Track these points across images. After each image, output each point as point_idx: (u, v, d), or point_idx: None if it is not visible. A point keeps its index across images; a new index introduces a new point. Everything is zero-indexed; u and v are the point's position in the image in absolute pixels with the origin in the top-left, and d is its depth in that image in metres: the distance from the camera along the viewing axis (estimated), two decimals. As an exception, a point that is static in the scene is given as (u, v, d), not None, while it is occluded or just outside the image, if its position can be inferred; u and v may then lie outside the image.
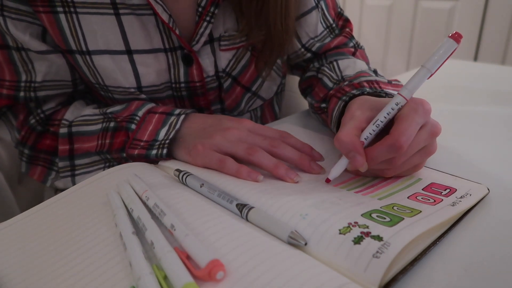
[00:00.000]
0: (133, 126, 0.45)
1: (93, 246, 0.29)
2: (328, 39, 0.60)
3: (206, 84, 0.55)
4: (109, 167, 0.49)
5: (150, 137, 0.44)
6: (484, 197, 0.34)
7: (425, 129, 0.34)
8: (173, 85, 0.54)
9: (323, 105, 0.50)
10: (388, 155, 0.33)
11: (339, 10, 0.61)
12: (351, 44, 0.61)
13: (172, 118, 0.45)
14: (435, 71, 0.34)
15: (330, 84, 0.51)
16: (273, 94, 0.65)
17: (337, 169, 0.36)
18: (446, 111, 0.58)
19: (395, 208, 0.32)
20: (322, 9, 0.58)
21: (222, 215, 0.31)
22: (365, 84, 0.45)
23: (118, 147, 0.46)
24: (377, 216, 0.30)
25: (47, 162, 0.52)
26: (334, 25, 0.60)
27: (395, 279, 0.25)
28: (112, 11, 0.46)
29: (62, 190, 0.50)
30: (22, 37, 0.46)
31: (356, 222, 0.29)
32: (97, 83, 0.51)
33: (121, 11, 0.47)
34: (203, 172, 0.39)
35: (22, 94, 0.49)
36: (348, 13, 0.63)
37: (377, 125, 0.35)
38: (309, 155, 0.42)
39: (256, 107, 0.64)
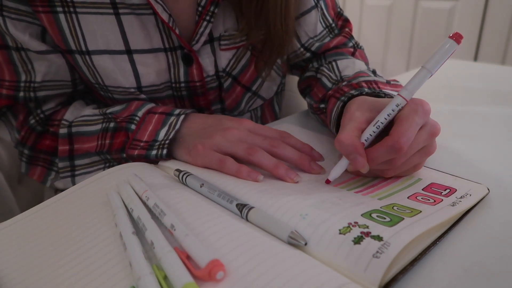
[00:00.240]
0: (133, 127, 0.45)
1: (93, 246, 0.29)
2: (327, 39, 0.60)
3: (206, 83, 0.55)
4: (109, 167, 0.49)
5: (150, 137, 0.44)
6: (484, 197, 0.34)
7: (424, 130, 0.34)
8: (173, 85, 0.54)
9: (322, 105, 0.50)
10: (388, 156, 0.33)
11: (338, 10, 0.61)
12: (351, 44, 0.61)
13: (172, 118, 0.45)
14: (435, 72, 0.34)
15: (329, 85, 0.51)
16: (273, 93, 0.65)
17: (337, 170, 0.36)
18: (446, 111, 0.58)
19: (395, 208, 0.32)
20: (322, 9, 0.58)
21: (222, 215, 0.31)
22: (364, 84, 0.45)
23: (118, 148, 0.46)
24: (377, 216, 0.30)
25: (46, 162, 0.52)
26: (333, 25, 0.60)
27: (395, 279, 0.25)
28: (111, 10, 0.46)
29: (62, 190, 0.50)
30: (22, 37, 0.46)
31: (356, 222, 0.29)
32: (97, 83, 0.51)
33: (120, 10, 0.47)
34: (203, 172, 0.39)
35: (21, 94, 0.49)
36: (348, 13, 0.63)
37: (378, 126, 0.35)
38: (309, 155, 0.42)
39: (256, 107, 0.64)
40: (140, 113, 0.46)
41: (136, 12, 0.47)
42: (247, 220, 0.31)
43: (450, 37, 0.33)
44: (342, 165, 0.36)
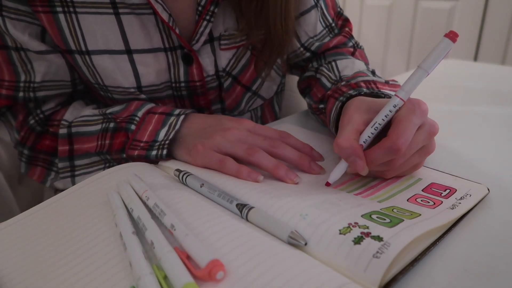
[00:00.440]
0: (133, 127, 0.45)
1: (93, 246, 0.29)
2: (327, 39, 0.60)
3: (206, 83, 0.55)
4: (109, 167, 0.49)
5: (150, 137, 0.44)
6: (484, 197, 0.34)
7: (422, 130, 0.34)
8: (173, 85, 0.54)
9: (321, 105, 0.50)
10: (387, 158, 0.33)
11: (338, 9, 0.61)
12: (350, 44, 0.61)
13: (172, 118, 0.45)
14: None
15: (328, 85, 0.51)
16: (273, 93, 0.65)
17: (337, 172, 0.36)
18: (446, 111, 0.58)
19: (394, 211, 0.32)
20: (322, 8, 0.58)
21: (222, 215, 0.31)
22: (362, 84, 0.45)
23: (118, 148, 0.46)
24: (377, 217, 0.30)
25: (46, 162, 0.52)
26: (333, 25, 0.60)
27: (395, 279, 0.25)
28: (111, 10, 0.46)
29: (62, 190, 0.50)
30: (21, 37, 0.46)
31: (356, 223, 0.29)
32: (97, 83, 0.51)
33: (120, 10, 0.47)
34: (203, 172, 0.39)
35: (21, 94, 0.49)
36: (348, 13, 0.63)
37: (376, 128, 0.35)
38: (309, 155, 0.42)
39: (256, 107, 0.64)
40: (140, 113, 0.46)
41: (136, 12, 0.47)
42: (247, 220, 0.31)
43: (445, 35, 0.33)
44: (341, 168, 0.36)
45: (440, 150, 0.38)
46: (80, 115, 0.50)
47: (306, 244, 0.28)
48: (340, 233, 0.28)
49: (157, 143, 0.43)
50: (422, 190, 0.35)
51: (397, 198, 0.34)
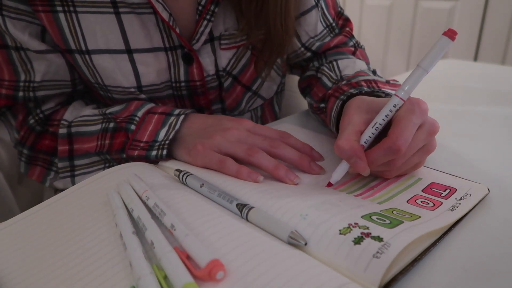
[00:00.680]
0: (133, 127, 0.45)
1: (93, 246, 0.29)
2: (328, 38, 0.60)
3: (206, 83, 0.54)
4: (108, 167, 0.49)
5: (149, 137, 0.44)
6: (484, 197, 0.34)
7: (423, 129, 0.34)
8: (173, 84, 0.53)
9: (322, 105, 0.50)
10: (387, 158, 0.33)
11: (339, 9, 0.61)
12: (351, 44, 0.61)
13: (172, 118, 0.45)
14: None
15: (329, 84, 0.51)
16: (273, 93, 0.65)
17: (338, 173, 0.36)
18: (446, 111, 0.58)
19: (394, 212, 0.32)
20: (322, 8, 0.58)
21: (222, 215, 0.31)
22: (363, 83, 0.45)
23: (118, 148, 0.46)
24: (377, 218, 0.30)
25: (46, 162, 0.52)
26: (334, 24, 0.60)
27: (395, 279, 0.25)
28: (112, 10, 0.46)
29: (61, 190, 0.50)
30: (21, 37, 0.46)
31: (356, 223, 0.29)
32: (96, 83, 0.51)
33: (121, 10, 0.47)
34: (203, 172, 0.39)
35: (21, 94, 0.49)
36: (348, 13, 0.63)
37: (376, 128, 0.35)
38: (309, 155, 0.42)
39: (256, 107, 0.64)
40: (139, 113, 0.46)
41: (136, 11, 0.47)
42: (247, 220, 0.31)
43: (444, 34, 0.33)
44: (343, 168, 0.36)
45: (440, 150, 0.38)
46: (80, 115, 0.50)
47: (306, 244, 0.28)
48: (340, 233, 0.28)
49: (157, 143, 0.43)
50: (422, 191, 0.35)
51: (397, 199, 0.34)
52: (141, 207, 0.32)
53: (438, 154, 0.38)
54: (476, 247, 0.29)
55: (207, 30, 0.50)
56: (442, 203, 0.33)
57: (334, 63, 0.55)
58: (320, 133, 0.51)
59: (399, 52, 1.95)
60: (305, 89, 0.61)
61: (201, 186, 0.35)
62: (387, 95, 0.42)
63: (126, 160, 0.46)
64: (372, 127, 0.35)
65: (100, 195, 0.36)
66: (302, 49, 0.60)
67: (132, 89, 0.51)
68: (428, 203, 0.33)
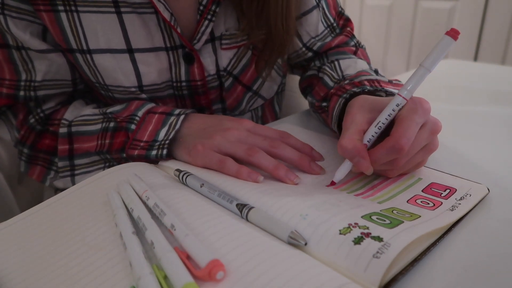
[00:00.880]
0: (133, 127, 0.45)
1: (93, 246, 0.29)
2: (329, 38, 0.60)
3: (207, 83, 0.55)
4: (109, 167, 0.49)
5: (150, 137, 0.44)
6: (484, 197, 0.34)
7: (425, 128, 0.34)
8: (174, 84, 0.54)
9: (324, 103, 0.50)
10: (390, 157, 0.33)
11: (340, 9, 0.61)
12: (352, 43, 0.61)
13: (172, 118, 0.45)
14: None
15: (330, 84, 0.51)
16: (273, 93, 0.65)
17: (342, 171, 0.36)
18: (446, 111, 0.58)
19: (394, 212, 0.32)
20: (323, 8, 0.58)
21: (222, 215, 0.31)
22: (366, 82, 0.45)
23: (118, 148, 0.46)
24: (377, 218, 0.30)
25: (46, 161, 0.52)
26: (335, 24, 0.60)
27: (395, 279, 0.25)
28: (113, 9, 0.46)
29: (62, 189, 0.50)
30: (23, 36, 0.46)
31: (356, 223, 0.29)
32: (97, 82, 0.51)
33: (122, 9, 0.47)
34: (203, 172, 0.39)
35: (22, 93, 0.49)
36: (348, 13, 0.63)
37: (379, 127, 0.35)
38: (309, 155, 0.42)
39: (257, 107, 0.64)
40: (140, 113, 0.46)
41: (138, 11, 0.47)
42: (247, 220, 0.31)
43: (446, 33, 0.33)
44: (346, 167, 0.36)
45: (440, 150, 0.38)
46: (80, 114, 0.50)
47: (306, 244, 0.28)
48: (340, 233, 0.28)
49: (157, 143, 0.43)
50: (422, 191, 0.35)
51: (397, 199, 0.34)
52: (141, 207, 0.32)
53: (438, 154, 0.38)
54: (476, 247, 0.29)
55: (208, 30, 0.50)
56: (442, 203, 0.33)
57: (336, 62, 0.55)
58: (320, 133, 0.51)
59: (399, 52, 1.95)
60: (306, 89, 0.61)
61: (201, 186, 0.35)
62: (390, 94, 0.42)
63: (126, 160, 0.46)
64: (375, 126, 0.35)
65: (100, 195, 0.36)
66: (304, 49, 0.60)
67: (133, 89, 0.51)
68: (428, 203, 0.33)
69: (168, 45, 0.50)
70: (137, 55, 0.49)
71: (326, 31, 0.59)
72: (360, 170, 0.35)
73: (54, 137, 0.51)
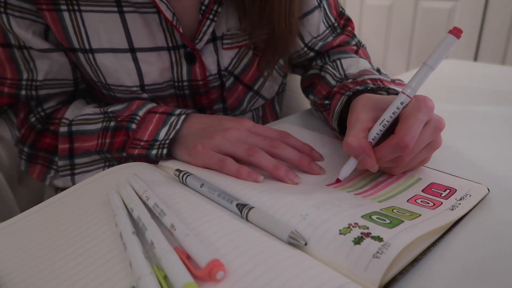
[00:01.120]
0: (134, 126, 0.45)
1: (93, 246, 0.29)
2: (330, 38, 0.60)
3: (208, 82, 0.55)
4: (109, 166, 0.49)
5: (150, 137, 0.44)
6: (484, 197, 0.34)
7: (429, 126, 0.34)
8: (176, 84, 0.54)
9: (326, 102, 0.50)
10: (395, 154, 0.34)
11: (340, 9, 0.61)
12: (353, 43, 0.61)
13: (173, 118, 0.45)
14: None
15: (332, 82, 0.51)
16: (274, 93, 0.65)
17: (347, 169, 0.37)
18: (446, 111, 0.58)
19: (394, 211, 0.32)
20: (324, 9, 0.58)
21: (222, 215, 0.31)
22: (369, 81, 0.45)
23: (118, 147, 0.46)
24: (377, 218, 0.30)
25: (46, 160, 0.52)
26: (336, 24, 0.60)
27: (395, 279, 0.25)
28: (116, 9, 0.46)
29: (62, 189, 0.50)
30: (25, 35, 0.46)
31: (356, 223, 0.29)
32: (99, 82, 0.51)
33: (125, 9, 0.47)
34: (203, 172, 0.39)
35: (23, 92, 0.49)
36: (348, 13, 0.63)
37: (384, 125, 0.35)
38: (309, 155, 0.42)
39: (257, 107, 0.64)
40: (141, 113, 0.46)
41: (140, 11, 0.47)
42: (247, 220, 0.31)
43: (450, 32, 0.33)
44: (351, 164, 0.37)
45: (440, 150, 0.38)
46: (81, 113, 0.50)
47: (306, 244, 0.28)
48: (340, 233, 0.28)
49: (158, 143, 0.43)
50: (422, 191, 0.35)
51: (397, 198, 0.34)
52: (141, 207, 0.32)
53: (438, 154, 0.38)
54: (476, 247, 0.29)
55: (210, 29, 0.50)
56: (442, 203, 0.33)
57: (338, 61, 0.55)
58: (320, 133, 0.51)
59: (399, 52, 1.95)
60: (307, 88, 0.61)
61: (201, 186, 0.35)
62: (393, 92, 0.43)
63: (126, 159, 0.46)
64: (380, 124, 0.35)
65: (100, 195, 0.36)
66: (305, 49, 0.60)
67: (135, 88, 0.51)
68: (428, 203, 0.33)
69: (170, 44, 0.50)
70: (139, 55, 0.49)
71: (327, 31, 0.60)
72: (366, 168, 0.35)
73: (55, 136, 0.51)
